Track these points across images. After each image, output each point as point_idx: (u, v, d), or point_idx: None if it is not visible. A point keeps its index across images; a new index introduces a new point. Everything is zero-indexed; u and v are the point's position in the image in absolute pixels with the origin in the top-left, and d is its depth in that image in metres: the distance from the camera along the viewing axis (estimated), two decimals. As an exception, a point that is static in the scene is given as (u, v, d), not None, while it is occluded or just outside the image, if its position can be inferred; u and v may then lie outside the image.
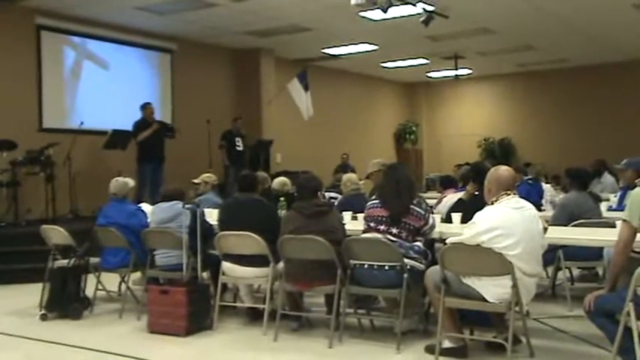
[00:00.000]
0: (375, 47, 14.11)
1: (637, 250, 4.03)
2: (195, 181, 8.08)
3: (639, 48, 14.83)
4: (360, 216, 5.68)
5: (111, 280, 6.79)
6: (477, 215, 4.46)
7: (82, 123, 10.72)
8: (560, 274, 6.49)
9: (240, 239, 5.57)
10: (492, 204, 4.51)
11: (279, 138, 13.94)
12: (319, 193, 5.68)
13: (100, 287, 6.57)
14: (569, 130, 17.26)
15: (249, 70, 14.14)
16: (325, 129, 16.09)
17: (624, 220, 3.98)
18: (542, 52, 15.18)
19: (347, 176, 7.79)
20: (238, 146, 12.55)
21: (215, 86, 13.82)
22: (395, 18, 10.84)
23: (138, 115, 11.01)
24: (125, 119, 10.92)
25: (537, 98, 18.07)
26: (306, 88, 13.51)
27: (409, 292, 4.90)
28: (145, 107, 10.97)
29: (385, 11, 8.64)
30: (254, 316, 5.89)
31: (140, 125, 10.81)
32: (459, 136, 19.15)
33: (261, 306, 5.69)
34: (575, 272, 7.12)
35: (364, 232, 5.24)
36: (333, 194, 8.39)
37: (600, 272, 6.87)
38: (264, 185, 8.08)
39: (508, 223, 4.34)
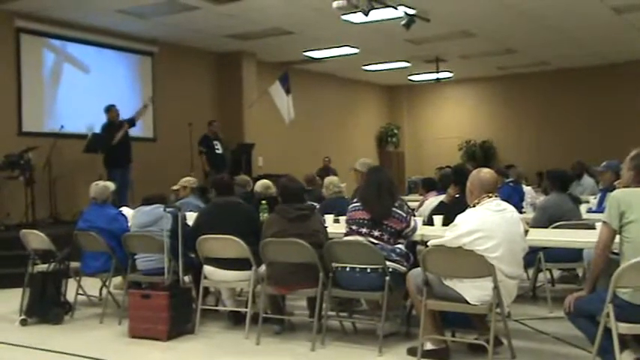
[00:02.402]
0: (357, 50, 14.14)
1: (616, 251, 4.06)
2: (174, 187, 8.03)
3: (618, 51, 15.01)
4: (342, 219, 5.68)
5: (92, 285, 6.76)
6: (459, 217, 4.49)
7: (62, 127, 10.64)
8: (540, 276, 6.53)
9: (222, 243, 5.55)
10: (474, 206, 4.53)
11: (261, 141, 13.91)
12: (303, 196, 5.69)
13: (80, 292, 6.54)
14: (550, 132, 17.39)
15: (231, 73, 14.11)
16: (307, 132, 16.09)
17: (604, 222, 4.01)
18: (522, 56, 15.29)
19: (329, 179, 7.79)
20: (217, 149, 12.52)
21: (196, 89, 13.78)
22: (376, 21, 10.88)
23: (118, 119, 10.96)
24: (103, 123, 10.84)
25: (518, 101, 18.21)
26: (287, 92, 13.49)
27: (391, 294, 4.91)
28: (109, 110, 10.82)
29: (366, 14, 8.66)
30: (236, 319, 5.87)
31: (107, 128, 10.72)
32: (440, 139, 19.23)
33: (243, 309, 5.68)
34: (556, 273, 7.17)
35: (346, 234, 5.25)
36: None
37: (580, 274, 6.93)
38: (246, 189, 8.05)
39: (489, 225, 4.36)
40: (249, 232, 5.56)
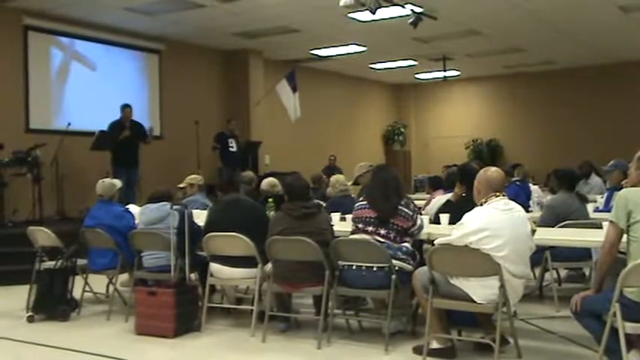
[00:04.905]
0: (364, 48, 14.12)
1: (623, 250, 4.05)
2: (181, 185, 8.05)
3: (626, 50, 14.93)
4: (349, 217, 5.68)
5: (98, 282, 6.77)
6: (466, 216, 4.48)
7: (69, 124, 10.67)
8: (547, 275, 6.52)
9: (228, 240, 5.56)
10: (481, 205, 4.52)
11: (267, 139, 13.92)
12: (308, 194, 5.69)
13: (87, 289, 6.57)
14: (556, 131, 17.31)
15: (238, 71, 14.12)
16: (313, 130, 16.09)
17: (611, 222, 3.99)
18: (529, 54, 15.23)
19: (335, 177, 7.79)
20: (232, 147, 12.60)
21: (203, 87, 13.80)
22: (383, 19, 10.87)
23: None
24: (113, 120, 10.87)
25: (525, 100, 18.13)
26: (294, 89, 13.48)
27: (397, 293, 4.91)
28: (125, 109, 10.88)
29: (373, 12, 8.65)
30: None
31: (116, 126, 10.75)
32: (447, 138, 19.19)
33: (249, 307, 5.68)
34: (562, 273, 7.16)
35: (352, 233, 5.24)
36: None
37: (587, 273, 6.92)
38: (251, 185, 8.05)
39: (496, 224, 4.36)
40: (257, 229, 5.55)
